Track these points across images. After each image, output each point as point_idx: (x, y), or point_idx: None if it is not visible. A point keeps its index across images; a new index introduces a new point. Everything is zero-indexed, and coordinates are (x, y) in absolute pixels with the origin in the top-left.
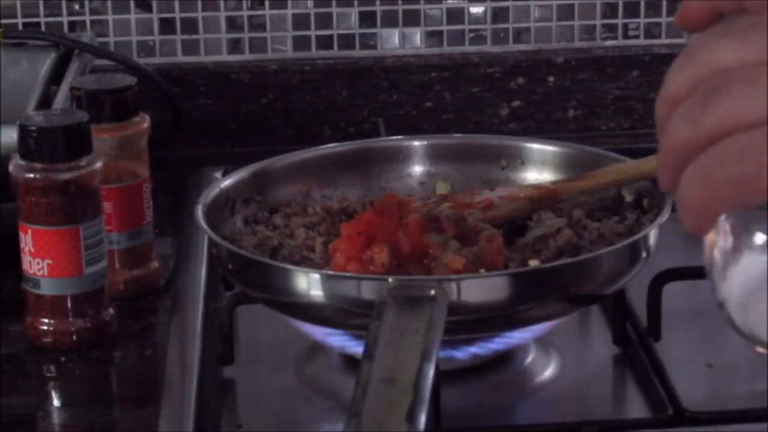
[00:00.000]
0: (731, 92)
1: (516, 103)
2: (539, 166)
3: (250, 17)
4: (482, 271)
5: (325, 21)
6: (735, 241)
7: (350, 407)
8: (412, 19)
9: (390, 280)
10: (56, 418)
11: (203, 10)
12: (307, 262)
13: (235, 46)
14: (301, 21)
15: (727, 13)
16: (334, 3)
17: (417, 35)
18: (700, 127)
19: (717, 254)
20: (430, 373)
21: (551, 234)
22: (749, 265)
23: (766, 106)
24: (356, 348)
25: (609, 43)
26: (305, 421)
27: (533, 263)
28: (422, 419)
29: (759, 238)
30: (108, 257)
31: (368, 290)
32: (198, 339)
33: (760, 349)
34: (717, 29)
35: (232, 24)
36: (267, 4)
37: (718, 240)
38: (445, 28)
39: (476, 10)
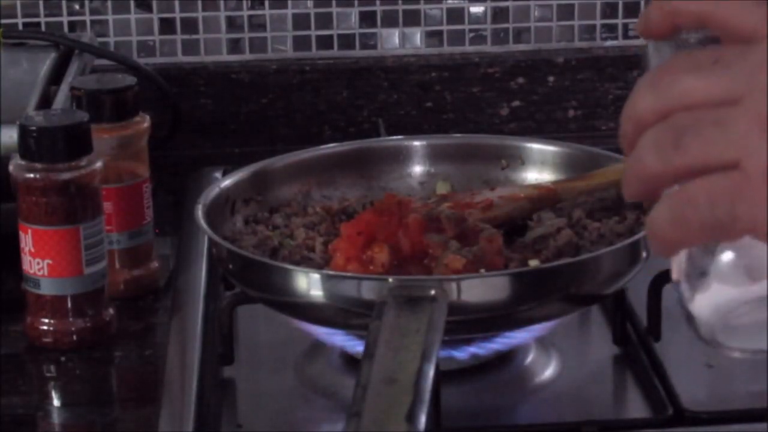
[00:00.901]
0: (701, 135)
1: (516, 103)
2: (539, 166)
3: (250, 17)
4: (482, 271)
5: (325, 21)
6: (702, 265)
7: (350, 407)
8: (412, 19)
9: (390, 280)
10: (56, 418)
11: (203, 10)
12: (307, 262)
13: (235, 46)
14: (301, 21)
15: (687, 27)
16: (334, 3)
17: (417, 35)
18: (670, 164)
19: (684, 275)
20: (430, 373)
21: (551, 234)
22: (717, 294)
23: (735, 150)
24: (356, 348)
25: (609, 43)
26: (305, 421)
27: (533, 263)
28: (422, 419)
29: (725, 264)
30: (108, 257)
31: (368, 290)
32: (198, 339)
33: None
34: (683, 60)
35: (232, 24)
36: (267, 4)
37: (685, 261)
38: (445, 28)
39: (476, 10)
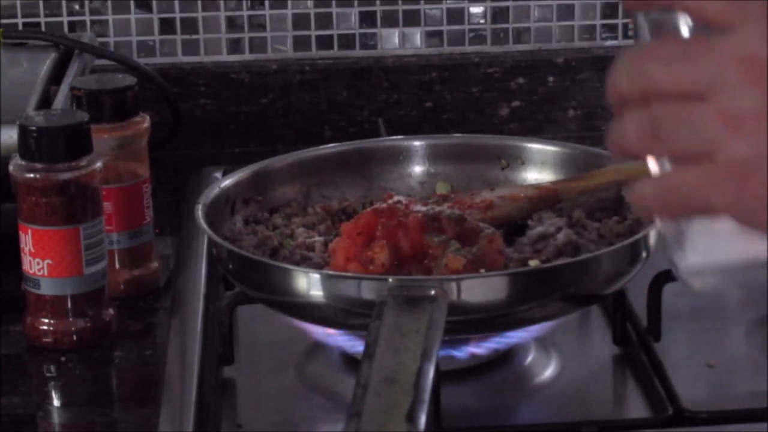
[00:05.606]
0: (675, 131)
1: (516, 103)
2: (539, 166)
3: (250, 17)
4: (482, 271)
5: (325, 21)
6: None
7: (350, 407)
8: (412, 19)
9: (390, 280)
10: (56, 418)
11: (203, 10)
12: (307, 262)
13: (235, 46)
14: (301, 21)
15: (662, 7)
16: (334, 3)
17: (417, 35)
18: (652, 150)
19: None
20: (430, 373)
21: (551, 234)
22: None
23: (705, 145)
24: (356, 348)
25: (609, 43)
26: (305, 421)
27: (533, 263)
28: (422, 419)
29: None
30: (108, 257)
31: (368, 290)
32: (198, 339)
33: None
34: (659, 48)
35: (232, 24)
36: (267, 4)
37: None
38: (445, 28)
39: (476, 10)
